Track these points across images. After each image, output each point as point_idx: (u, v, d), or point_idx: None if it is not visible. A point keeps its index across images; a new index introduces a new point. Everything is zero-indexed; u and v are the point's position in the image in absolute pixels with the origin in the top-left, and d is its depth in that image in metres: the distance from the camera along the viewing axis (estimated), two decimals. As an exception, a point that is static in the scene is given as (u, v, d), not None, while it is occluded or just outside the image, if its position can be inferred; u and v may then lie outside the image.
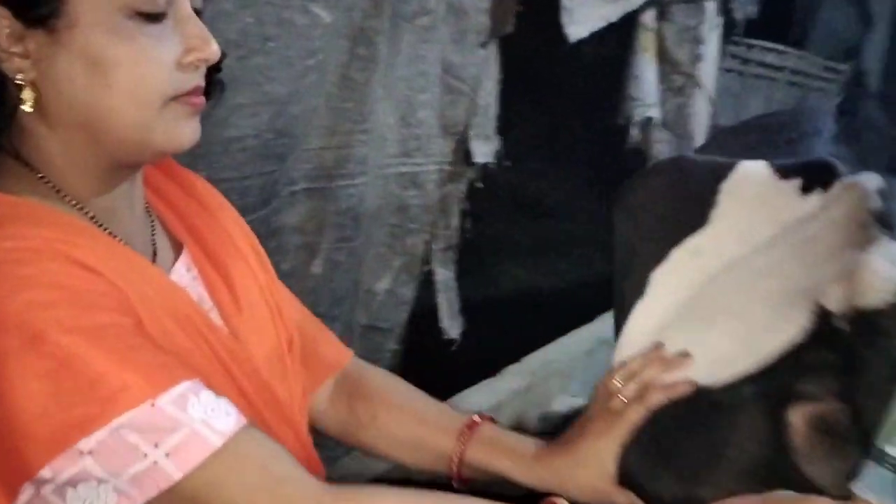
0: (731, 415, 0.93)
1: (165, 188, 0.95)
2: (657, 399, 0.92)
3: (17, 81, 0.75)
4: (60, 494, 0.69)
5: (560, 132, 2.72)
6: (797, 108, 1.88)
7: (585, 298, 3.26)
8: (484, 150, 2.32)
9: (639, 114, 3.27)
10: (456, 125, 2.23)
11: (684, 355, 0.95)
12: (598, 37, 2.68)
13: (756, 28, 3.72)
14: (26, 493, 0.69)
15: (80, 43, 0.74)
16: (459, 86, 2.20)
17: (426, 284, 2.26)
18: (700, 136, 3.39)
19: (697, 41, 3.27)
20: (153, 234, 0.88)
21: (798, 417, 0.89)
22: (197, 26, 0.79)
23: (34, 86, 0.75)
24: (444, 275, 2.39)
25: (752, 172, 1.14)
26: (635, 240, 1.18)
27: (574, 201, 2.97)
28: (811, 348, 0.91)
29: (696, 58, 3.28)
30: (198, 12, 0.80)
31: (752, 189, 1.10)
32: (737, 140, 1.45)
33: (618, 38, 3.02)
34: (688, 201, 1.13)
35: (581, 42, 2.63)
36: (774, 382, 0.91)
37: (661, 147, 3.42)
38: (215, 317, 0.88)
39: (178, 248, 0.90)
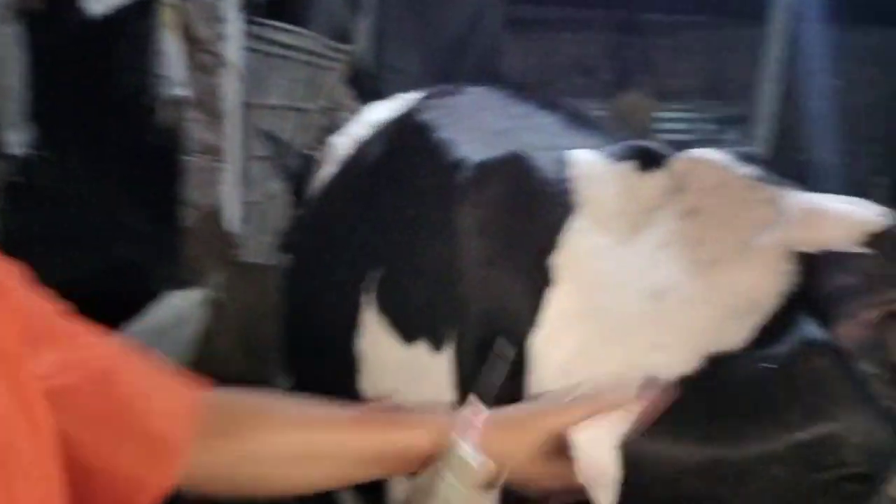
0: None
1: None
2: None
3: None
4: None
5: (94, 115, 2.54)
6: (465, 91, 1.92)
7: (132, 291, 3.11)
8: (16, 140, 2.07)
9: (167, 93, 3.18)
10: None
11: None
12: (127, 12, 2.54)
13: (273, 9, 3.85)
14: None
15: None
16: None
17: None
18: (233, 115, 3.42)
19: (220, 19, 3.28)
20: None
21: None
22: None
23: None
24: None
25: (588, 159, 1.23)
26: (499, 232, 1.19)
27: (112, 188, 2.81)
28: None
29: (221, 36, 3.29)
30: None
31: (598, 173, 1.19)
32: (467, 131, 1.52)
33: (144, 13, 2.89)
34: (545, 190, 1.19)
35: (110, 18, 2.47)
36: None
37: (194, 127, 3.38)
38: None
39: None
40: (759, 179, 1.14)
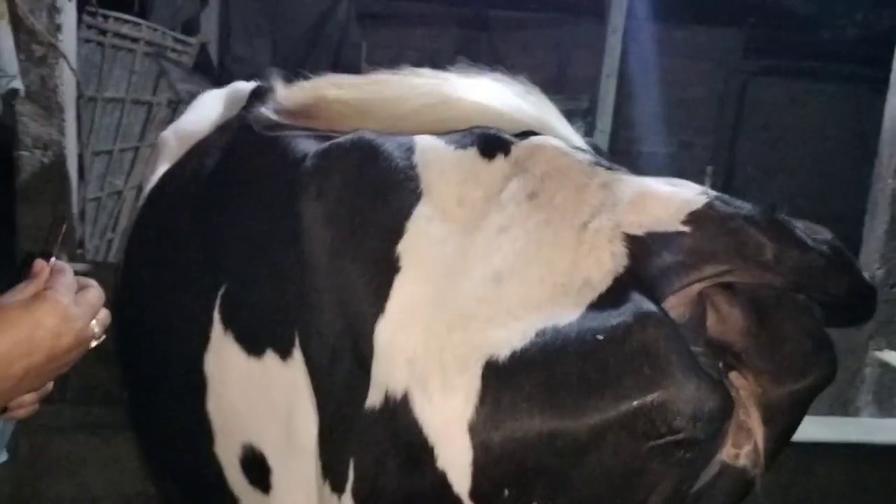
0: None
1: None
2: None
3: None
4: None
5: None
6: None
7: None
8: None
9: (2, 86, 3.02)
10: None
11: None
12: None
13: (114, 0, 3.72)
14: None
15: None
16: None
17: None
18: (69, 107, 3.29)
19: (55, 9, 3.14)
20: None
21: None
22: None
23: None
24: None
25: (433, 146, 1.21)
26: (345, 220, 1.16)
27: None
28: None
29: (57, 27, 3.15)
30: None
31: (443, 160, 1.18)
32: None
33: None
34: (391, 177, 1.17)
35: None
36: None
37: (29, 121, 3.23)
38: None
39: None
40: (595, 165, 1.16)
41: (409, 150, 1.23)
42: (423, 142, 1.24)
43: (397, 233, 1.14)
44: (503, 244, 1.11)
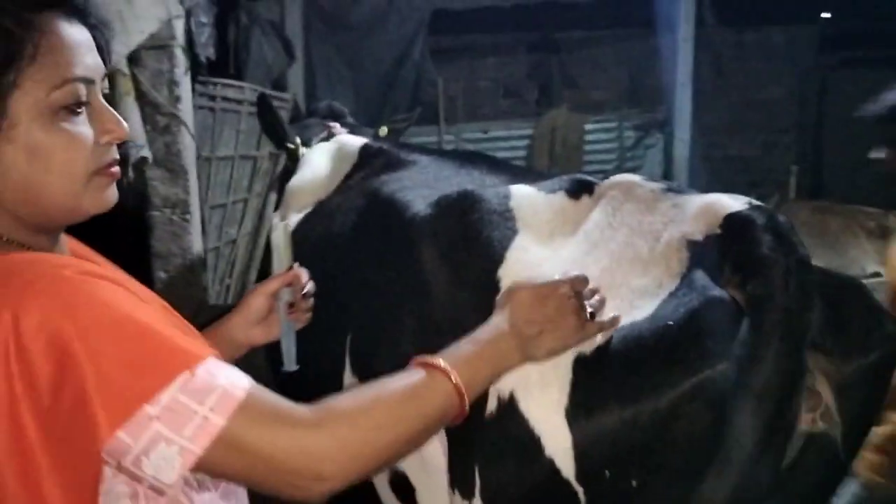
0: None
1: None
2: None
3: None
4: (137, 465, 0.86)
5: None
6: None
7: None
8: None
9: (133, 155, 3.39)
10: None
11: None
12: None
13: (216, 67, 4.08)
14: (108, 472, 0.87)
15: (23, 138, 0.94)
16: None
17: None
18: (191, 169, 3.65)
19: (174, 83, 3.51)
20: None
21: None
22: (110, 112, 0.97)
23: None
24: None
25: (525, 192, 1.43)
26: (459, 256, 1.37)
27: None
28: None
29: (176, 98, 3.52)
30: (105, 98, 0.96)
31: (535, 205, 1.40)
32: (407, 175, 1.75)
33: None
34: (492, 218, 1.39)
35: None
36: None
37: (158, 184, 3.60)
38: None
39: None
40: (667, 190, 1.35)
41: (506, 196, 1.43)
42: (518, 190, 1.44)
43: (498, 261, 1.33)
44: (589, 263, 1.29)
